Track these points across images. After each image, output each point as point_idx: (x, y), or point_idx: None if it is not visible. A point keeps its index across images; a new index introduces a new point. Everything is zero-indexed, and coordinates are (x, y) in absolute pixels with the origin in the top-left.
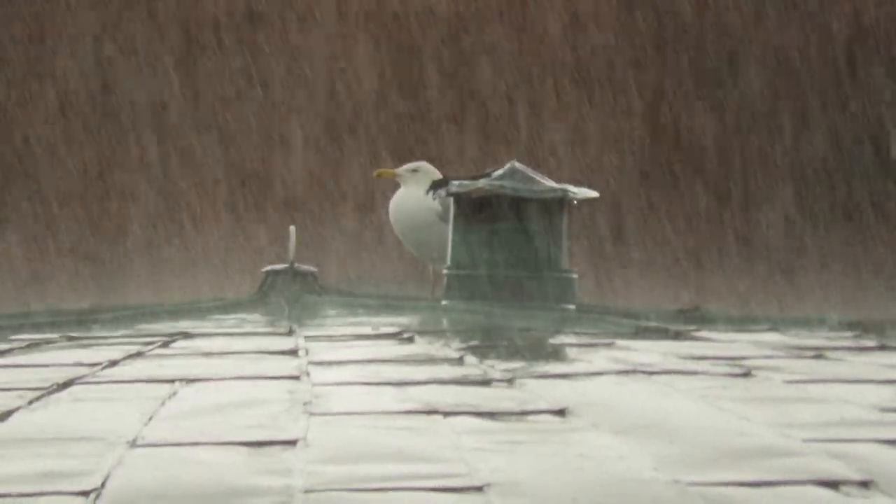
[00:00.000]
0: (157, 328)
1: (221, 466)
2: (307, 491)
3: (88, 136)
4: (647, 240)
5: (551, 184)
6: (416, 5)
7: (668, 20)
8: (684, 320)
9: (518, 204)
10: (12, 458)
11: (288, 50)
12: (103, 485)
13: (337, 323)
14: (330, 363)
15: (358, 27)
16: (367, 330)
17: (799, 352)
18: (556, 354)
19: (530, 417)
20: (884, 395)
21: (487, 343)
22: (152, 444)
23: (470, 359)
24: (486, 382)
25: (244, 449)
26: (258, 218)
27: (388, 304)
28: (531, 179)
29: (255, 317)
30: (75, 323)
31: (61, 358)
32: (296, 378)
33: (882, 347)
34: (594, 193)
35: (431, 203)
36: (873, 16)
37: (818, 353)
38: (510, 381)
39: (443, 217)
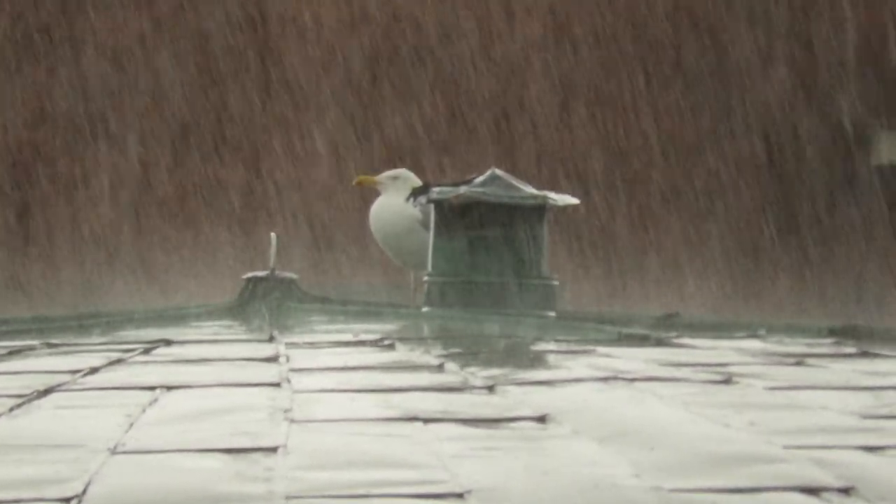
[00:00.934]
0: (138, 335)
1: (202, 473)
2: (288, 497)
3: (68, 141)
4: (629, 246)
5: (532, 190)
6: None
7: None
8: (665, 327)
9: (499, 211)
10: None
11: (273, 58)
12: (84, 492)
13: (318, 330)
14: (311, 370)
15: (341, 34)
16: (349, 337)
17: (780, 358)
18: (537, 361)
19: (511, 424)
20: (864, 401)
21: (468, 350)
22: (133, 451)
23: (451, 366)
24: (466, 389)
25: (225, 456)
26: (239, 225)
27: (369, 311)
28: (512, 186)
29: (236, 324)
30: (56, 329)
31: (42, 365)
32: (276, 385)
33: (862, 354)
34: (574, 200)
35: (412, 210)
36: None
37: (799, 360)
38: (491, 388)
39: (423, 224)
